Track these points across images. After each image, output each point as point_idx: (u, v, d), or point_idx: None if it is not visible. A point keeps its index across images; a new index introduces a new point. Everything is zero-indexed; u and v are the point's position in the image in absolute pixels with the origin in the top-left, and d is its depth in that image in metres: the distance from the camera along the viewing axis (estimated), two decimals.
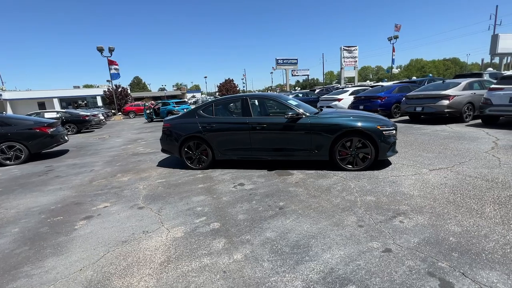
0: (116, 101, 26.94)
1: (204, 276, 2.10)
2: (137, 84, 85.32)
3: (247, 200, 3.55)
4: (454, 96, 8.29)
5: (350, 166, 4.43)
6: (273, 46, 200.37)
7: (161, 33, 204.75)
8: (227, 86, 34.62)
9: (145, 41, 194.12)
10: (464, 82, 8.71)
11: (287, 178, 4.31)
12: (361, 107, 11.15)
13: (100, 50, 23.23)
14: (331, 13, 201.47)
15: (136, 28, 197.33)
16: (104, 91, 32.07)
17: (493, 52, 21.96)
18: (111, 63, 24.15)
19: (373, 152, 4.30)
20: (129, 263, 2.35)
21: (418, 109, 8.98)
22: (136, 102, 31.03)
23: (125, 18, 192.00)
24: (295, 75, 58.55)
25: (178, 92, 68.77)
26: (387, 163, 4.64)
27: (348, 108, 11.86)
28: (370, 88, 14.05)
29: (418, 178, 3.89)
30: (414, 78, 20.68)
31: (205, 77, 65.37)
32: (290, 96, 7.59)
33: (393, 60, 29.74)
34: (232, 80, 35.94)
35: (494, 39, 21.33)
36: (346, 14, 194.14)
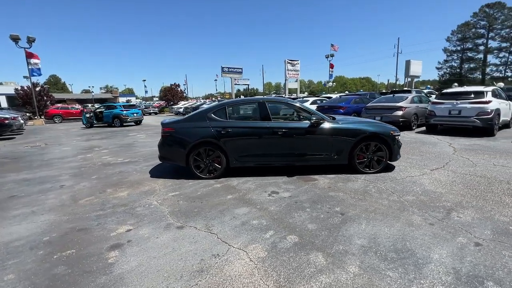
0: (35, 102, 22.05)
1: None
2: (55, 83, 72.50)
3: (299, 209, 3.35)
4: (406, 107, 9.80)
5: (367, 169, 4.70)
6: (215, 54, 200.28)
7: (89, 30, 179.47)
8: (172, 92, 32.51)
9: (67, 35, 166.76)
10: (410, 96, 10.42)
11: (315, 184, 4.27)
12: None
13: (15, 39, 18.75)
14: (272, 24, 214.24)
15: (58, 19, 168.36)
16: (16, 89, 25.91)
17: (407, 74, 27.24)
18: (30, 56, 19.71)
19: (387, 155, 4.67)
20: None
21: (377, 118, 10.23)
22: (61, 105, 26.08)
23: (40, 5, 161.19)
24: (236, 84, 59.63)
25: (109, 95, 61.39)
26: (391, 167, 5.08)
27: None
28: (327, 99, 15.38)
29: (429, 177, 4.39)
30: (347, 92, 23.53)
31: (144, 80, 60.11)
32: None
33: (330, 75, 33.43)
34: (178, 85, 33.96)
35: (407, 64, 26.51)
36: (286, 27, 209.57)
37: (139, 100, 76.17)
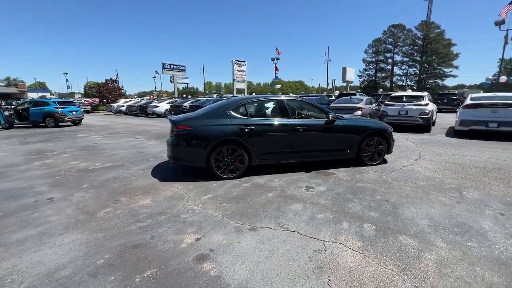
0: None
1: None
2: None
3: (346, 200, 3.56)
4: (363, 108, 11.21)
5: (371, 162, 5.27)
6: (151, 52, 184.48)
7: None
8: (108, 88, 28.45)
9: None
10: (365, 98, 11.96)
11: (337, 177, 4.56)
12: None
13: None
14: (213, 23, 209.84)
15: None
16: None
17: (343, 79, 31.02)
18: None
19: (386, 148, 5.34)
20: None
21: None
22: None
23: None
24: (173, 82, 56.80)
25: (14, 90, 50.03)
26: (383, 160, 5.80)
27: None
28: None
29: (418, 166, 5.21)
30: (302, 92, 25.29)
31: (65, 73, 50.87)
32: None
33: (276, 77, 35.15)
34: (115, 81, 29.85)
35: (344, 70, 30.26)
36: (230, 28, 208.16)
37: (78, 96, 64.67)
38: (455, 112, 11.84)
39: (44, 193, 3.95)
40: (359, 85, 70.66)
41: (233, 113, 4.58)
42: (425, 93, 10.52)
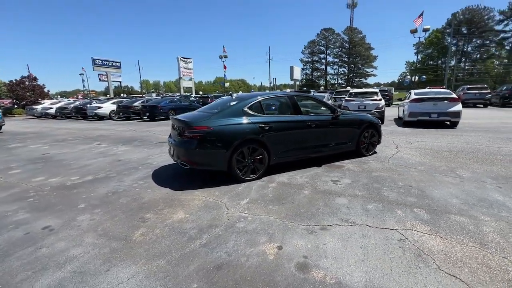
0: None
1: None
2: None
3: (377, 189, 3.77)
4: None
5: (366, 152, 5.70)
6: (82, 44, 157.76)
7: None
8: (27, 86, 23.05)
9: None
10: (326, 95, 12.85)
11: (349, 169, 4.79)
12: None
13: None
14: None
15: None
16: None
17: (291, 78, 32.66)
18: None
19: (377, 139, 5.85)
20: None
21: None
22: None
23: None
24: (103, 80, 50.83)
25: None
26: (374, 150, 6.34)
27: None
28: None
29: (404, 153, 5.88)
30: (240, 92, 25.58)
31: None
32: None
33: (224, 76, 34.72)
34: (35, 79, 24.26)
35: (292, 69, 31.92)
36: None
37: None
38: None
39: (30, 222, 3.01)
40: (298, 83, 75.84)
41: (249, 111, 4.33)
42: (377, 89, 11.92)
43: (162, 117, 16.06)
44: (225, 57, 33.74)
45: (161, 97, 22.64)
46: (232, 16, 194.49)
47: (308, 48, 69.94)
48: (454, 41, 53.56)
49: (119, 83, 69.05)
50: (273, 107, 4.82)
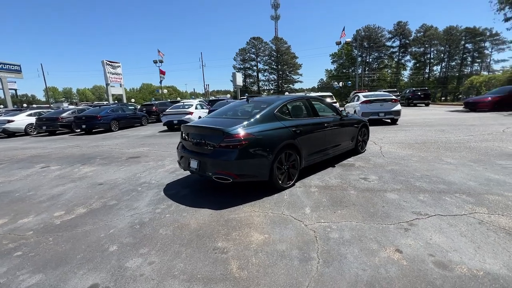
0: None
1: None
2: None
3: (406, 182, 4.10)
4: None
5: (361, 150, 6.17)
6: None
7: None
8: None
9: None
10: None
11: (361, 166, 5.08)
12: None
13: None
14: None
15: None
16: None
17: (235, 84, 32.56)
18: None
19: (367, 137, 6.41)
20: None
21: None
22: None
23: None
24: (2, 89, 40.94)
25: None
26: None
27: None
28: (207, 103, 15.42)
29: (388, 148, 6.62)
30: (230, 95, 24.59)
31: None
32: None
33: (161, 82, 32.21)
34: None
35: (234, 75, 31.87)
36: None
37: None
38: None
39: (58, 285, 2.06)
40: (232, 89, 76.92)
41: (280, 115, 4.12)
42: (329, 93, 13.11)
43: (102, 129, 13.73)
44: (161, 61, 31.36)
45: (84, 107, 19.32)
46: (159, 18, 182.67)
47: (240, 55, 71.87)
48: (359, 53, 64.01)
49: (14, 91, 56.91)
50: (297, 110, 4.70)
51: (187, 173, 5.07)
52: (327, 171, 4.85)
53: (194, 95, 77.74)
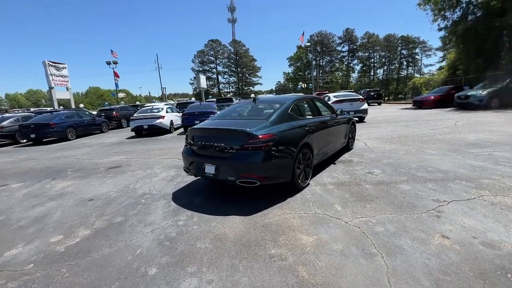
0: None
1: None
2: None
3: (408, 174, 4.42)
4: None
5: (351, 146, 6.49)
6: None
7: None
8: None
9: None
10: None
11: (358, 162, 5.34)
12: (197, 122, 11.86)
13: None
14: None
15: None
16: None
17: (198, 86, 31.40)
18: None
19: (355, 134, 6.76)
20: None
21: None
22: None
23: None
24: None
25: None
26: None
27: (182, 121, 12.14)
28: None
29: (373, 143, 7.08)
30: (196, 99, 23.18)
31: None
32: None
33: (116, 85, 29.62)
34: None
35: (198, 77, 30.68)
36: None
37: None
38: None
39: None
40: (192, 92, 74.71)
41: (294, 114, 4.09)
42: (301, 94, 13.56)
43: (55, 138, 12.04)
44: (115, 63, 28.80)
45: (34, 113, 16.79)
46: (106, 16, 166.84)
47: (198, 57, 70.29)
48: (314, 57, 67.89)
49: None
50: (305, 109, 4.69)
51: (188, 180, 4.71)
52: (331, 168, 4.97)
53: (149, 98, 73.21)
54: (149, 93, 68.16)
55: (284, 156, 3.51)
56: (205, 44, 69.79)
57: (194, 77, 70.62)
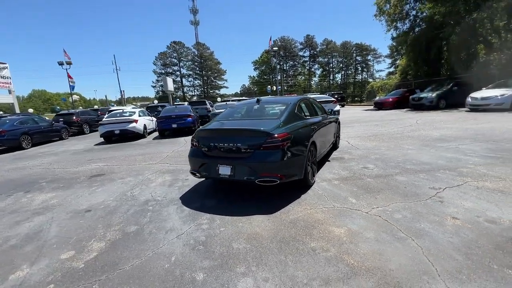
0: None
1: None
2: None
3: (399, 167, 4.86)
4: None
5: (338, 145, 6.88)
6: None
7: None
8: None
9: None
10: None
11: (351, 158, 5.70)
12: (174, 125, 11.42)
13: None
14: None
15: None
16: None
17: (165, 89, 29.89)
18: None
19: (339, 133, 7.18)
20: None
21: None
22: None
23: None
24: None
25: None
26: None
27: (158, 125, 11.52)
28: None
29: (354, 142, 7.59)
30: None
31: None
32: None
33: (71, 87, 26.94)
34: None
35: (165, 80, 29.19)
36: None
37: None
38: None
39: None
40: (155, 95, 71.36)
41: (300, 114, 4.24)
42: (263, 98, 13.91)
43: (4, 147, 10.56)
44: (69, 63, 26.17)
45: None
46: (55, 13, 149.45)
47: (160, 59, 67.49)
48: (278, 61, 69.98)
49: None
50: (306, 109, 4.84)
51: (190, 184, 4.56)
52: (327, 165, 5.22)
53: (106, 102, 67.79)
54: (106, 96, 63.14)
55: (298, 154, 3.62)
56: (168, 46, 67.39)
57: (157, 80, 67.72)
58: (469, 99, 12.87)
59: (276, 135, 3.38)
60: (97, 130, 17.68)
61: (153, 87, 68.22)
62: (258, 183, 3.38)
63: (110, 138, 11.35)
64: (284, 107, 4.18)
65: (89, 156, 8.22)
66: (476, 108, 12.56)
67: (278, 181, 3.35)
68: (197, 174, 3.84)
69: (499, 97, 11.77)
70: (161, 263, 2.36)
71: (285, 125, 3.68)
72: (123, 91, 47.67)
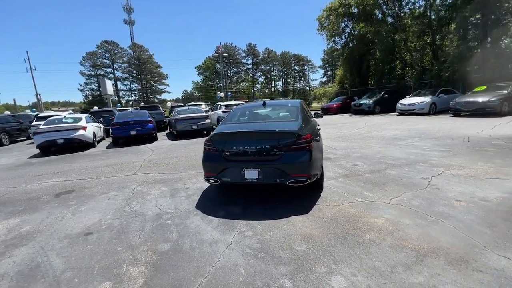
0: None
1: None
2: None
3: (381, 162, 5.50)
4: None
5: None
6: None
7: None
8: None
9: None
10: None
11: (339, 159, 6.16)
12: (133, 132, 10.28)
13: None
14: None
15: None
16: None
17: (104, 92, 26.18)
18: None
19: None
20: None
21: (194, 126, 11.50)
22: None
23: None
24: None
25: None
26: None
27: (113, 132, 10.05)
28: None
29: (326, 142, 8.20)
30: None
31: None
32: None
33: None
34: None
35: (103, 82, 25.52)
36: None
37: None
38: None
39: None
40: (83, 100, 62.53)
41: (307, 114, 4.40)
42: (241, 102, 13.98)
43: None
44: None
45: None
46: None
47: (88, 60, 59.76)
48: (222, 67, 70.17)
49: None
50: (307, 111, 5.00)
51: (196, 192, 4.23)
52: None
53: (15, 108, 55.84)
54: (14, 100, 51.87)
55: (319, 154, 3.78)
56: (98, 45, 60.18)
57: (85, 83, 59.66)
58: (399, 105, 15.38)
59: (305, 136, 3.46)
60: (19, 141, 14.70)
61: (81, 90, 59.98)
62: (290, 185, 3.38)
63: (48, 148, 9.51)
64: (294, 109, 4.31)
65: (32, 171, 6.72)
66: (404, 112, 15.11)
67: (308, 181, 3.42)
68: (217, 180, 3.60)
69: (420, 103, 14.41)
70: (233, 276, 2.15)
71: (306, 126, 3.80)
72: (40, 94, 40.37)
